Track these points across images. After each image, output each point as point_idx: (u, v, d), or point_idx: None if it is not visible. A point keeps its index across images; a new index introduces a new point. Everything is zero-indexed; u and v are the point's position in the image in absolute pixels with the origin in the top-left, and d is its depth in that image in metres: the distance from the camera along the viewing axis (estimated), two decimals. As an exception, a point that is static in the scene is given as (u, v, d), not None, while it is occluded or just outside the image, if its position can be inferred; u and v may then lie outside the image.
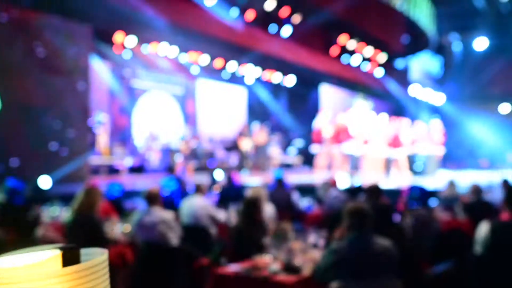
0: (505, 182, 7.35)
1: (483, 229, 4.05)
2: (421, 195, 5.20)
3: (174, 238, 4.90)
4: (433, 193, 7.70)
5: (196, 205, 5.90)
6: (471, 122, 24.42)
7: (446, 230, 5.53)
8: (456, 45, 21.42)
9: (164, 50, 13.92)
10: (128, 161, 13.45)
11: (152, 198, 4.98)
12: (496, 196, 7.51)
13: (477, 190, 6.52)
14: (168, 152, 13.63)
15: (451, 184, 7.42)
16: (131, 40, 12.99)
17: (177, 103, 16.84)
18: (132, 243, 5.05)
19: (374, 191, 5.24)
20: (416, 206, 5.16)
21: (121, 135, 14.83)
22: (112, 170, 12.70)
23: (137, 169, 13.62)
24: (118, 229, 5.27)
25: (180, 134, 14.89)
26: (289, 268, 3.88)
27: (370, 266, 3.39)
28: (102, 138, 12.00)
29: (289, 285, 3.68)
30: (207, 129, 16.10)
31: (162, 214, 4.91)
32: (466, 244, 5.17)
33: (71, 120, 10.23)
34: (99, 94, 14.04)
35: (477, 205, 6.38)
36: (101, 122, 12.02)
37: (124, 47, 13.70)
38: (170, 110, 16.63)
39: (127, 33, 12.56)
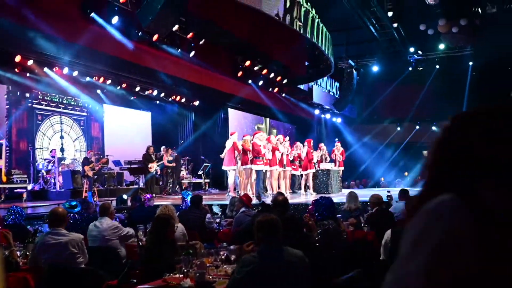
0: (402, 191, 7.83)
1: (386, 236, 4.32)
2: (327, 207, 5.40)
3: (81, 260, 4.74)
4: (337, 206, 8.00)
5: (105, 226, 5.76)
6: (366, 143, 25.75)
7: (352, 240, 5.77)
8: (352, 71, 22.54)
9: (68, 73, 13.53)
10: (29, 186, 12.85)
11: (56, 219, 4.79)
12: (396, 206, 7.98)
13: (378, 201, 6.88)
14: (72, 175, 13.17)
15: (352, 197, 7.76)
16: (31, 63, 12.51)
17: (82, 126, 16.37)
18: (34, 268, 4.81)
19: (281, 204, 5.39)
20: (323, 218, 5.34)
21: (21, 159, 14.14)
22: (12, 196, 12.06)
23: (39, 194, 13.02)
24: (16, 255, 5.01)
25: (85, 157, 14.46)
26: (201, 284, 3.85)
27: (282, 277, 3.47)
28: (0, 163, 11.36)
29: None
30: (113, 152, 15.72)
31: (70, 234, 4.74)
32: (371, 252, 5.45)
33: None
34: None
35: (378, 216, 6.71)
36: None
37: (25, 70, 13.17)
38: (74, 133, 16.12)
39: (28, 55, 12.07)
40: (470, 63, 23.94)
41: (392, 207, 8.26)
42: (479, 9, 19.15)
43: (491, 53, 22.15)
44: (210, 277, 3.97)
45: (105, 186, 14.09)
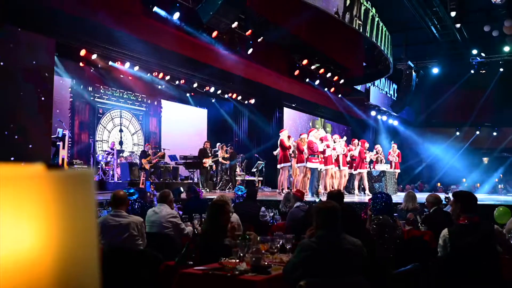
0: (455, 193, 7.59)
1: (444, 232, 4.21)
2: (385, 202, 5.31)
3: (140, 242, 4.84)
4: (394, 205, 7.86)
5: (163, 213, 5.86)
6: (425, 146, 25.16)
7: (408, 238, 5.66)
8: (411, 72, 22.10)
9: (129, 68, 13.91)
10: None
11: (118, 201, 4.92)
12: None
13: (436, 201, 6.71)
14: (129, 167, 13.52)
15: (410, 196, 7.61)
16: (95, 57, 12.94)
17: (140, 121, 16.80)
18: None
19: (336, 196, 5.34)
20: (380, 213, 5.26)
21: (82, 151, 14.65)
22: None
23: (98, 184, 13.41)
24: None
25: (142, 150, 14.84)
26: (257, 268, 3.86)
27: (340, 263, 3.43)
28: (62, 153, 11.77)
29: (258, 283, 3.66)
30: (169, 147, 16.04)
31: (130, 217, 4.86)
32: (427, 252, 5.32)
33: (31, 134, 10.00)
34: (61, 109, 13.87)
35: (436, 216, 6.55)
36: (61, 137, 11.82)
37: (88, 64, 13.64)
38: (132, 127, 16.56)
39: (92, 49, 12.48)
40: (537, 67, 23.00)
41: (450, 208, 8.04)
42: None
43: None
44: (266, 263, 3.97)
45: (161, 179, 14.37)
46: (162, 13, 11.61)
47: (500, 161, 25.61)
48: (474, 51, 22.78)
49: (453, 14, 18.72)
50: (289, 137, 13.10)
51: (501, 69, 23.41)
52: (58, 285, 0.77)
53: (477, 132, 25.92)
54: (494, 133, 25.72)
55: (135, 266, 4.72)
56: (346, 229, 3.68)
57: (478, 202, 4.46)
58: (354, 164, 14.39)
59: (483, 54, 22.96)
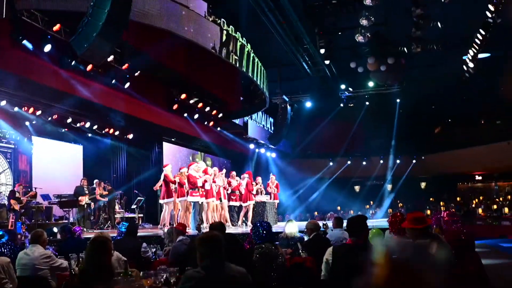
0: (337, 219, 7.97)
1: (328, 250, 4.39)
2: (266, 230, 5.40)
3: (10, 286, 4.46)
4: (275, 234, 8.02)
5: (36, 255, 5.47)
6: (302, 176, 26.17)
7: (291, 265, 5.79)
8: (286, 106, 23.00)
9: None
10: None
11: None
12: (331, 233, 8.09)
13: (315, 227, 6.96)
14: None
15: (291, 223, 7.82)
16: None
17: (8, 159, 15.69)
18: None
19: (217, 227, 5.36)
20: (262, 241, 5.34)
21: None
22: None
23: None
24: None
25: (11, 190, 13.85)
26: (141, 305, 3.73)
27: (225, 292, 3.43)
28: None
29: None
30: (42, 186, 15.12)
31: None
32: (310, 277, 5.48)
33: None
34: None
35: (316, 241, 6.78)
36: None
37: None
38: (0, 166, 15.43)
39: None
40: (398, 100, 25.04)
41: (328, 234, 8.39)
42: (405, 49, 20.14)
43: (416, 91, 23.32)
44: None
45: (33, 220, 13.47)
46: (31, 48, 11.05)
47: (371, 189, 27.33)
48: (343, 86, 24.30)
49: (322, 51, 19.84)
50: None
51: (367, 103, 25.19)
52: None
53: (348, 162, 27.48)
54: (364, 163, 27.43)
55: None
56: (230, 259, 3.69)
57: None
58: (233, 197, 14.56)
59: (350, 89, 24.56)
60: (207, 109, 18.18)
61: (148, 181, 16.49)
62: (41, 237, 5.73)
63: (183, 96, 16.86)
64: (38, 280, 5.37)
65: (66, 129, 16.62)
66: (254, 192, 15.32)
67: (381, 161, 27.27)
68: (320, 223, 10.14)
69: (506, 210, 21.33)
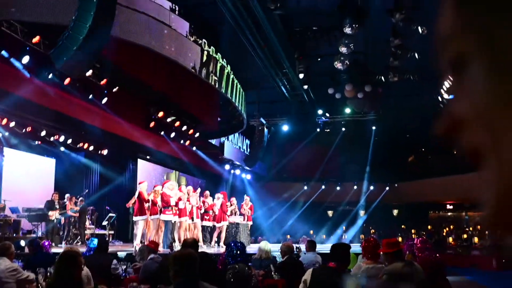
0: (310, 242, 7.99)
1: (308, 271, 4.46)
2: (240, 250, 5.38)
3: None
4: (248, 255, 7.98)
5: (2, 268, 5.34)
6: (276, 199, 26.19)
7: (263, 287, 5.76)
8: (263, 128, 23.12)
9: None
10: None
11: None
12: (304, 257, 8.09)
13: (288, 249, 6.95)
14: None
15: (264, 246, 7.79)
16: None
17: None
18: None
19: (191, 244, 5.32)
20: (235, 261, 5.31)
21: None
22: None
23: None
24: None
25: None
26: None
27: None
28: None
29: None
30: (11, 198, 14.79)
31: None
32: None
33: None
34: None
35: (289, 264, 6.77)
36: None
37: None
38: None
39: None
40: (374, 128, 25.36)
41: (301, 258, 8.39)
42: (383, 78, 20.48)
43: (392, 119, 23.67)
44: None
45: (1, 233, 13.15)
46: (9, 58, 10.95)
47: (343, 214, 27.44)
48: (320, 111, 24.54)
49: (301, 76, 20.07)
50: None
51: (343, 129, 25.45)
52: None
53: (323, 187, 27.59)
54: (338, 188, 27.56)
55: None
56: (204, 277, 3.66)
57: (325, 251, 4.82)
58: (206, 217, 14.48)
59: (327, 114, 24.82)
60: (184, 128, 18.11)
61: (121, 198, 16.29)
62: (9, 250, 5.60)
63: (161, 114, 16.77)
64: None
65: (39, 142, 16.36)
66: (229, 213, 15.25)
67: (355, 187, 27.46)
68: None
69: (476, 239, 21.60)
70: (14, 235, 13.71)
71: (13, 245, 5.81)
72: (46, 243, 8.55)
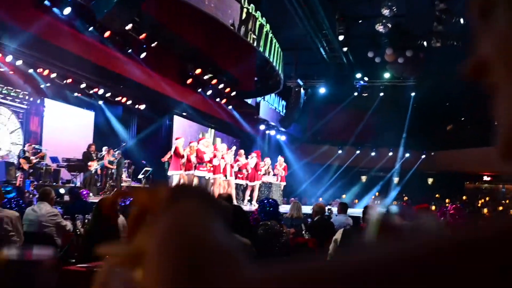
0: (342, 204, 7.98)
1: (337, 234, 4.44)
2: (273, 207, 5.42)
3: (16, 239, 4.51)
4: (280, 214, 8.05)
5: (43, 212, 5.52)
6: (310, 162, 26.14)
7: (294, 244, 5.81)
8: (300, 90, 22.94)
9: (11, 62, 13.01)
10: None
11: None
12: (335, 218, 8.10)
13: (320, 210, 6.96)
14: (6, 167, 12.63)
15: (296, 205, 7.83)
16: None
17: (20, 119, 15.77)
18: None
19: (225, 198, 5.38)
20: (267, 218, 5.35)
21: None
22: None
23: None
24: None
25: (21, 149, 13.95)
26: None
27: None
28: None
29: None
30: (52, 148, 15.20)
31: (4, 211, 4.51)
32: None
33: None
34: None
35: (320, 224, 6.79)
36: None
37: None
38: (11, 125, 15.50)
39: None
40: (413, 94, 24.86)
41: (332, 219, 8.42)
42: (425, 43, 19.94)
43: (432, 86, 23.13)
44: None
45: (40, 181, 13.56)
46: (53, 10, 11.05)
47: (377, 180, 27.27)
48: (358, 75, 24.16)
49: (341, 38, 19.71)
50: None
51: (381, 94, 25.03)
52: None
53: (357, 152, 27.40)
54: (373, 153, 27.33)
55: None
56: (236, 230, 3.70)
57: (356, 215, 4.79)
58: (240, 175, 14.59)
59: (366, 78, 24.41)
60: (221, 86, 18.14)
61: (157, 153, 16.53)
62: (49, 195, 5.78)
63: (198, 71, 16.81)
64: (44, 236, 5.42)
65: (79, 94, 16.66)
66: (262, 172, 15.34)
67: (390, 153, 27.16)
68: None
69: (512, 212, 21.25)
70: (54, 183, 14.13)
71: (53, 191, 5.99)
72: (84, 192, 8.80)
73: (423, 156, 27.16)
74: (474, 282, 0.34)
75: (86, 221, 6.11)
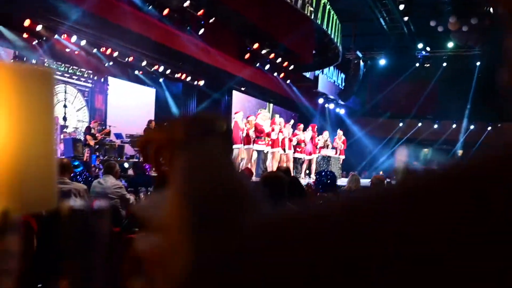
0: (406, 168, 7.86)
1: None
2: (330, 179, 5.44)
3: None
4: (338, 187, 8.05)
5: (109, 184, 5.78)
6: (369, 135, 25.79)
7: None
8: (359, 62, 22.57)
9: (75, 42, 13.48)
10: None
11: (61, 167, 4.80)
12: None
13: (379, 182, 6.91)
14: (73, 143, 13.19)
15: (354, 178, 7.80)
16: (40, 28, 12.44)
17: (86, 97, 16.39)
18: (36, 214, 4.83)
19: (285, 171, 5.43)
20: (325, 190, 5.38)
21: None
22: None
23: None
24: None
25: (87, 126, 14.53)
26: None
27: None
28: None
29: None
30: (115, 125, 15.75)
31: (73, 183, 4.76)
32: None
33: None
34: None
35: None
36: None
37: (33, 35, 13.12)
38: (77, 103, 16.15)
39: (37, 20, 12.02)
40: (478, 64, 23.90)
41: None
42: (491, 9, 19.05)
43: (499, 55, 22.11)
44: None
45: (106, 157, 14.09)
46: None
47: (439, 153, 26.57)
48: (420, 45, 23.44)
49: (401, 7, 19.17)
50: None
51: (444, 64, 24.22)
52: (16, 176, 0.77)
53: (419, 124, 26.75)
54: (435, 126, 26.62)
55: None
56: (291, 200, 3.76)
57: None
58: (298, 149, 14.61)
59: (428, 49, 23.67)
60: (279, 60, 18.09)
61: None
62: (114, 169, 6.03)
63: (256, 45, 16.82)
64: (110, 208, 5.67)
65: (140, 72, 17.09)
66: (322, 145, 15.31)
67: (454, 126, 26.34)
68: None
69: None
70: (119, 159, 14.65)
71: (117, 165, 6.24)
72: (147, 167, 9.07)
73: (489, 128, 26.18)
74: (451, 206, 0.37)
75: (148, 193, 6.34)
